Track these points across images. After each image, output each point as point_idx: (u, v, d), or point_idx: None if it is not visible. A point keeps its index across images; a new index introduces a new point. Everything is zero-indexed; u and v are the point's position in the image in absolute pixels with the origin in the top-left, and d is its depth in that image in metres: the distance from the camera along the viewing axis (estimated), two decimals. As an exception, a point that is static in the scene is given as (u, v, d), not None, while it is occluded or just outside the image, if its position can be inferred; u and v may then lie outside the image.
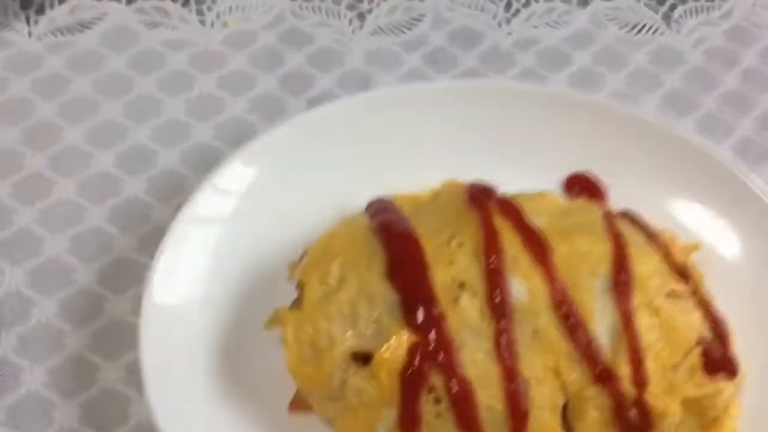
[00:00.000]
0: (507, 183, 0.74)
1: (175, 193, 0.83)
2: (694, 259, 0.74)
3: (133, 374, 0.70)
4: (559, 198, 0.76)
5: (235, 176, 0.78)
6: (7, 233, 0.80)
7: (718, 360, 0.64)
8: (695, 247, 0.74)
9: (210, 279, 0.73)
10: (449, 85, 0.92)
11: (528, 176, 0.77)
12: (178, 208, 0.75)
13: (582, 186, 0.83)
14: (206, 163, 0.83)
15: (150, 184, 0.84)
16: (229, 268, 0.75)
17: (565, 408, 0.62)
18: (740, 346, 0.69)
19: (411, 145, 0.83)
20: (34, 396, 0.70)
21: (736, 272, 0.75)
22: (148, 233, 0.80)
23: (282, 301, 0.69)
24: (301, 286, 0.68)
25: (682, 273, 0.69)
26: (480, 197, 0.71)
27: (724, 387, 0.65)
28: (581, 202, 0.76)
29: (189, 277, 0.73)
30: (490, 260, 0.65)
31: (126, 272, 0.77)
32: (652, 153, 0.81)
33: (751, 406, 0.68)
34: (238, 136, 0.85)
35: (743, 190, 0.78)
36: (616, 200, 0.79)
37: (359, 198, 0.74)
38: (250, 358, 0.70)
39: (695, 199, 0.80)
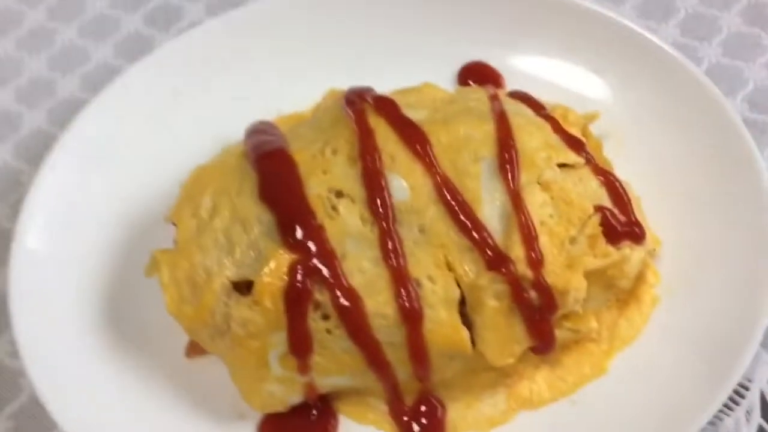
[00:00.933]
0: (398, 84, 0.69)
1: (42, 153, 0.76)
2: (596, 132, 0.70)
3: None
4: (441, 90, 0.71)
5: (104, 118, 0.73)
6: None
7: (618, 226, 0.60)
8: (593, 116, 0.70)
9: (85, 230, 0.68)
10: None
11: (422, 74, 0.71)
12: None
13: (476, 75, 0.78)
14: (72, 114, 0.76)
15: (17, 147, 0.79)
16: (106, 216, 0.70)
17: (463, 303, 0.59)
18: (651, 213, 0.66)
19: (293, 61, 0.77)
20: None
21: (640, 138, 0.71)
22: (19, 199, 0.74)
23: (166, 245, 0.65)
24: (174, 225, 0.64)
25: (576, 144, 0.64)
26: (354, 99, 0.66)
27: (631, 253, 0.61)
28: (468, 88, 0.72)
29: (62, 231, 0.67)
30: (366, 162, 0.60)
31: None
32: (546, 28, 0.76)
33: (671, 274, 0.66)
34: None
35: (646, 48, 0.73)
36: (514, 86, 0.74)
37: (242, 127, 0.68)
38: (137, 310, 0.66)
39: (593, 69, 0.75)
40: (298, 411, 0.61)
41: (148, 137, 0.73)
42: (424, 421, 0.60)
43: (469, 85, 0.77)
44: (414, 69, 0.74)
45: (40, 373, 0.60)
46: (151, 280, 0.64)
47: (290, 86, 0.77)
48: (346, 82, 0.70)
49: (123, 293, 0.66)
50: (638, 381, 0.61)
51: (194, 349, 0.64)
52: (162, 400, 0.62)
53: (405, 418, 0.61)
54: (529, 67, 0.77)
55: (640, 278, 0.65)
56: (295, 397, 0.60)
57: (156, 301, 0.64)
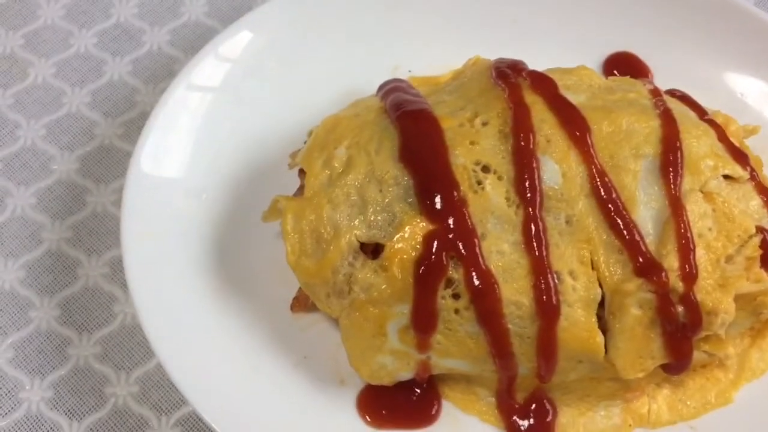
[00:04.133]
0: (539, 64, 0.63)
1: (160, 75, 0.74)
2: (751, 144, 0.65)
3: (118, 271, 0.64)
4: (600, 75, 0.66)
5: (234, 49, 0.69)
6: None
7: (779, 252, 0.56)
8: (754, 129, 0.65)
9: (203, 167, 0.65)
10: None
11: (562, 57, 0.66)
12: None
13: (624, 66, 0.72)
14: (198, 44, 0.74)
15: (135, 64, 0.75)
16: (226, 154, 0.66)
17: (601, 305, 0.55)
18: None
19: (431, 22, 0.73)
20: (9, 294, 0.64)
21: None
22: (133, 119, 0.72)
23: (284, 191, 0.62)
24: (304, 174, 0.61)
25: (740, 156, 0.60)
26: (508, 72, 0.61)
27: (785, 284, 0.58)
28: (625, 79, 0.66)
29: (178, 165, 0.64)
30: (520, 140, 0.56)
31: (109, 161, 0.70)
32: (702, 26, 0.71)
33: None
34: (235, 15, 0.75)
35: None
36: (663, 83, 0.69)
37: (372, 82, 0.65)
38: (247, 253, 0.63)
39: (755, 76, 0.69)
40: (402, 388, 0.58)
41: (277, 78, 0.69)
42: (533, 421, 0.57)
43: (614, 75, 0.73)
44: (556, 51, 0.69)
45: (144, 299, 0.57)
46: (264, 225, 0.62)
47: (424, 47, 0.72)
48: (484, 53, 0.66)
49: (234, 233, 0.63)
50: (763, 415, 0.58)
51: (301, 304, 0.61)
52: (261, 352, 0.59)
53: (513, 415, 0.57)
54: (680, 65, 0.71)
55: (779, 310, 0.61)
56: (406, 374, 0.57)
57: (267, 247, 0.61)
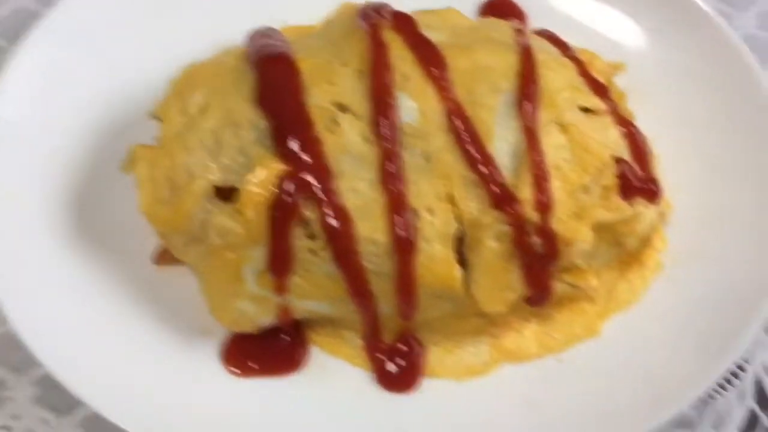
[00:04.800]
0: (411, 9, 0.62)
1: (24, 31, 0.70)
2: (619, 81, 0.65)
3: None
4: (465, 17, 0.66)
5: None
6: None
7: (635, 181, 0.56)
8: (620, 66, 0.65)
9: (61, 114, 0.63)
10: None
11: (437, 2, 0.66)
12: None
13: (499, 11, 0.72)
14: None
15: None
16: (86, 103, 0.64)
17: (460, 241, 0.55)
18: (668, 177, 0.62)
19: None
20: None
21: (667, 95, 0.67)
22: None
23: (146, 142, 0.60)
24: (158, 121, 0.59)
25: (601, 89, 0.60)
26: (371, 13, 0.60)
27: (644, 212, 0.57)
28: (492, 20, 0.66)
29: (38, 118, 0.62)
30: (376, 78, 0.55)
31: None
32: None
33: (678, 241, 0.62)
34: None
35: (686, 4, 0.68)
36: (537, 25, 0.69)
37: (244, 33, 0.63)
38: (108, 207, 0.60)
39: (627, 14, 0.70)
40: (267, 335, 0.57)
41: (143, 29, 0.67)
42: (400, 361, 0.57)
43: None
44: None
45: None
46: (127, 178, 0.60)
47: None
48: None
49: (94, 187, 0.61)
50: (630, 347, 0.58)
51: (164, 258, 0.60)
52: (123, 307, 0.57)
53: (380, 356, 0.57)
54: (555, 6, 0.71)
55: (646, 241, 0.61)
56: (267, 319, 0.56)
57: (129, 201, 0.59)
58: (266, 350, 0.57)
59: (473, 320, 0.58)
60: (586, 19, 0.70)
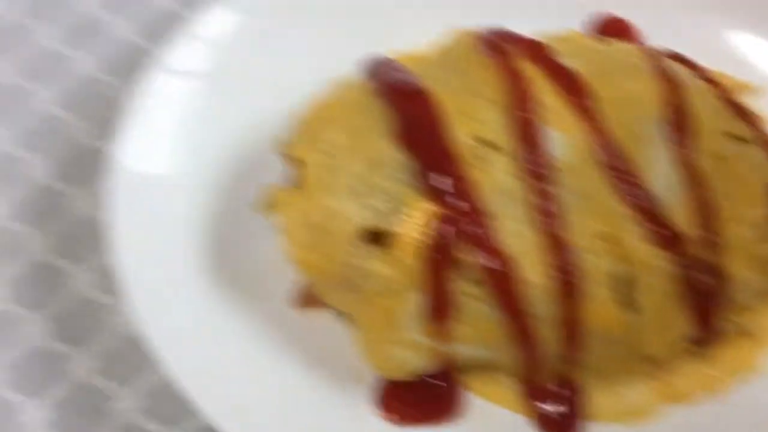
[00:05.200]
0: (521, 30, 0.61)
1: (132, 67, 0.69)
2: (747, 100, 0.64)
3: (108, 279, 0.59)
4: (591, 39, 0.64)
5: (209, 32, 0.65)
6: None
7: (796, 211, 0.55)
8: (756, 89, 0.63)
9: (186, 160, 0.61)
10: None
11: (543, 23, 0.63)
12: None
13: (611, 30, 0.70)
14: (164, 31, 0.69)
15: (100, 59, 0.71)
16: (208, 145, 0.62)
17: (623, 281, 0.52)
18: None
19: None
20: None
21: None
22: (105, 114, 0.67)
23: (269, 179, 0.59)
24: (295, 161, 0.58)
25: (744, 115, 0.59)
26: (499, 42, 0.58)
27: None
28: (616, 41, 0.64)
29: (159, 159, 0.60)
30: (519, 111, 0.54)
31: (85, 163, 0.66)
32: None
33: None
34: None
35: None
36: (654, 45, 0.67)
37: (348, 61, 0.61)
38: (242, 248, 0.59)
39: (750, 30, 0.67)
40: (421, 381, 0.55)
41: (254, 62, 0.65)
42: (560, 405, 0.55)
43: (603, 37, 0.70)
44: (537, 18, 0.65)
45: (140, 306, 0.54)
46: (256, 217, 0.58)
47: (401, 22, 0.68)
48: (463, 22, 0.63)
49: (225, 227, 0.60)
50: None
51: (304, 301, 0.58)
52: (270, 354, 0.56)
53: (539, 401, 0.55)
54: (671, 25, 0.68)
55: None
56: (425, 365, 0.54)
57: (261, 241, 0.58)
58: (422, 397, 0.55)
59: (636, 362, 0.55)
60: (707, 38, 0.68)
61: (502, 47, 0.58)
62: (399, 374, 0.54)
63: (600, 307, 0.52)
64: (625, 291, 0.52)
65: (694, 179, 0.52)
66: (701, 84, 0.59)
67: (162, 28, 0.71)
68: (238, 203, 0.60)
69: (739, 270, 0.52)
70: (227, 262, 0.59)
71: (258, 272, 0.59)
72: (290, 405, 0.55)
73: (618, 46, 0.63)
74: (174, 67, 0.63)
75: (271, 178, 0.59)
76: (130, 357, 0.58)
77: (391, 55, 0.64)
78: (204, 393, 0.53)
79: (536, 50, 0.58)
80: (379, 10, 0.69)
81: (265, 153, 0.61)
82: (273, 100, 0.64)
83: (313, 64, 0.66)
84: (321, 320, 0.57)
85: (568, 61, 0.57)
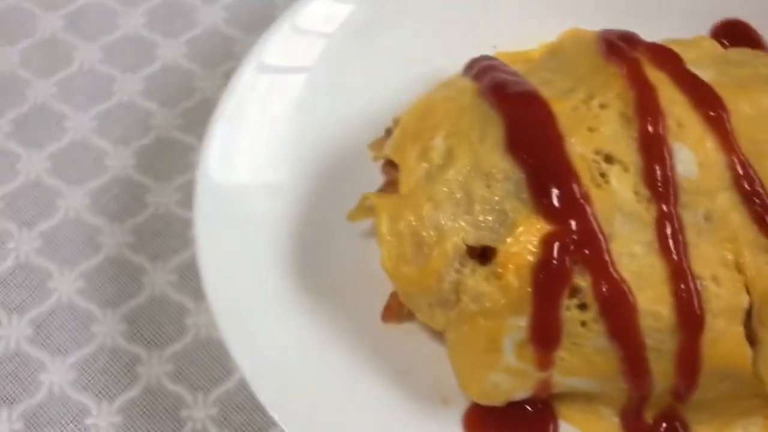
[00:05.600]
0: (642, 34, 0.56)
1: (221, 58, 0.67)
2: None
3: (187, 279, 0.58)
4: (720, 47, 0.59)
5: (305, 28, 0.61)
6: (20, 110, 0.65)
7: None
8: None
9: (277, 160, 0.58)
10: None
11: (664, 27, 0.59)
12: (227, 76, 0.60)
13: (735, 36, 0.65)
14: (259, 24, 0.66)
15: (191, 47, 0.68)
16: (301, 146, 0.59)
17: (749, 314, 0.48)
18: None
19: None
20: (67, 308, 0.57)
21: None
22: (192, 107, 0.65)
23: (365, 186, 0.55)
24: (392, 167, 0.54)
25: None
26: (622, 45, 0.54)
27: None
28: (747, 50, 0.59)
29: (250, 159, 0.57)
30: (647, 124, 0.49)
31: (170, 156, 0.63)
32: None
33: None
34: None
35: None
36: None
37: (456, 60, 0.57)
38: (332, 256, 0.56)
39: None
40: (513, 406, 0.51)
41: (353, 59, 0.62)
42: (663, 442, 0.51)
43: (727, 44, 0.65)
44: (654, 23, 0.60)
45: (224, 311, 0.51)
46: (348, 225, 0.55)
47: (508, 19, 0.64)
48: (575, 24, 0.59)
49: (315, 233, 0.56)
50: None
51: (393, 314, 0.55)
52: (353, 367, 0.52)
53: (641, 436, 0.51)
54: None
55: None
56: (523, 393, 0.50)
57: (352, 250, 0.55)
58: (513, 423, 0.51)
59: (750, 400, 0.51)
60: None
61: (625, 51, 0.53)
62: (494, 400, 0.50)
63: (723, 341, 0.47)
64: (748, 324, 0.47)
65: (835, 208, 0.48)
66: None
67: (258, 20, 0.69)
68: (331, 208, 0.56)
69: None
70: (314, 268, 0.55)
71: (347, 281, 0.55)
72: (372, 424, 0.51)
73: (747, 55, 0.58)
74: (267, 62, 0.60)
75: (369, 184, 0.56)
76: (207, 363, 0.56)
77: (498, 55, 0.60)
78: (283, 406, 0.49)
79: (665, 57, 0.53)
80: (487, 8, 0.65)
81: (364, 158, 0.58)
82: (374, 100, 0.61)
83: (418, 62, 0.62)
84: (412, 335, 0.54)
85: (699, 70, 0.52)
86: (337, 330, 0.54)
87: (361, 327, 0.54)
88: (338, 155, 0.60)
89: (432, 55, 0.62)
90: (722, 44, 0.63)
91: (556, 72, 0.56)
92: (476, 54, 0.58)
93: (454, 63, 0.58)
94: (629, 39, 0.55)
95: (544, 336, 0.48)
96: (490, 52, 0.61)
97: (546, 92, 0.52)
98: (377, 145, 0.58)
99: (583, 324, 0.48)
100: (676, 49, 0.54)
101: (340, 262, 0.56)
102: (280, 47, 0.61)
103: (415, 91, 0.58)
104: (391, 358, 0.54)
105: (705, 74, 0.52)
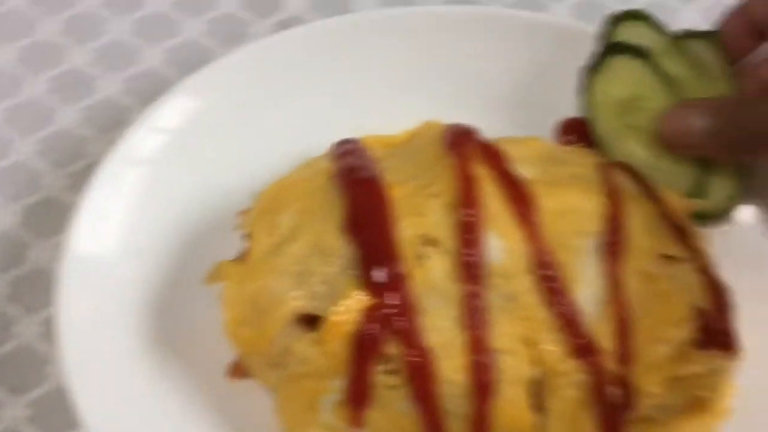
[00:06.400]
0: (496, 126, 0.64)
1: (114, 125, 0.74)
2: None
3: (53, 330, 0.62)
4: (553, 144, 0.67)
5: (178, 109, 0.69)
6: None
7: (713, 334, 0.56)
8: (693, 205, 0.65)
9: (145, 227, 0.64)
10: (436, 10, 0.77)
11: (519, 120, 0.69)
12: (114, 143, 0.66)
13: (579, 133, 0.73)
14: (153, 92, 0.73)
15: (87, 114, 0.75)
16: (168, 215, 0.65)
17: (539, 384, 0.55)
18: (742, 319, 0.62)
19: (387, 81, 0.73)
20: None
21: (744, 234, 0.67)
22: (81, 170, 0.71)
23: (228, 255, 0.61)
24: (246, 238, 0.60)
25: (684, 234, 0.61)
26: (460, 140, 0.61)
27: (719, 366, 0.58)
28: (577, 150, 0.67)
29: (120, 223, 0.64)
30: (465, 214, 0.56)
31: (53, 214, 0.69)
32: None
33: (748, 387, 0.61)
34: (193, 63, 0.76)
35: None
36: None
37: (325, 140, 0.64)
38: (186, 317, 0.62)
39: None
40: (336, 460, 0.58)
41: (226, 139, 0.69)
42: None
43: (570, 140, 0.71)
44: (515, 116, 0.71)
45: (74, 362, 0.56)
46: (209, 288, 0.60)
47: (378, 105, 0.72)
48: (437, 114, 0.66)
49: (175, 296, 0.62)
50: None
51: (239, 371, 0.60)
52: (195, 421, 0.58)
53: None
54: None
55: (715, 390, 0.61)
56: (340, 449, 0.56)
57: (210, 311, 0.60)
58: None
59: (541, 462, 0.58)
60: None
61: (461, 145, 0.60)
62: (316, 454, 0.57)
63: (510, 407, 0.53)
64: (538, 394, 0.54)
65: (617, 295, 0.55)
66: (645, 202, 0.61)
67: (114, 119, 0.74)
68: (193, 273, 0.61)
69: (649, 386, 0.54)
70: (171, 327, 0.61)
71: (200, 340, 0.60)
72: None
73: (574, 154, 0.65)
74: (137, 150, 0.66)
75: (233, 251, 0.61)
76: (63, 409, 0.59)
77: (366, 138, 0.66)
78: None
79: (490, 154, 0.60)
80: (359, 91, 0.73)
81: (228, 231, 0.63)
82: (244, 175, 0.67)
83: (288, 141, 0.69)
84: (252, 392, 0.59)
85: (523, 167, 0.60)
86: (185, 385, 0.59)
87: (208, 383, 0.60)
88: (207, 226, 0.66)
89: (303, 136, 0.68)
90: (568, 141, 0.72)
91: (407, 159, 0.63)
92: (347, 135, 0.65)
93: (324, 145, 0.64)
94: (467, 134, 0.62)
95: (357, 397, 0.54)
96: (360, 134, 0.68)
97: (391, 177, 0.59)
98: (243, 215, 0.64)
99: (392, 387, 0.54)
100: (507, 147, 0.62)
101: (196, 322, 0.61)
102: (142, 140, 0.66)
103: (279, 168, 0.64)
104: (232, 412, 0.59)
105: (528, 171, 0.60)
